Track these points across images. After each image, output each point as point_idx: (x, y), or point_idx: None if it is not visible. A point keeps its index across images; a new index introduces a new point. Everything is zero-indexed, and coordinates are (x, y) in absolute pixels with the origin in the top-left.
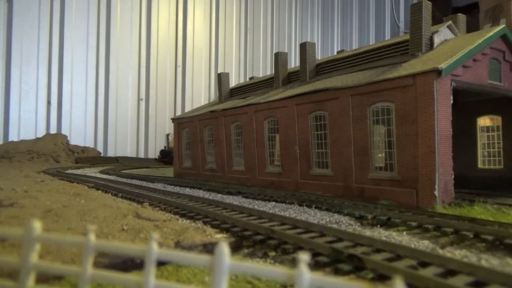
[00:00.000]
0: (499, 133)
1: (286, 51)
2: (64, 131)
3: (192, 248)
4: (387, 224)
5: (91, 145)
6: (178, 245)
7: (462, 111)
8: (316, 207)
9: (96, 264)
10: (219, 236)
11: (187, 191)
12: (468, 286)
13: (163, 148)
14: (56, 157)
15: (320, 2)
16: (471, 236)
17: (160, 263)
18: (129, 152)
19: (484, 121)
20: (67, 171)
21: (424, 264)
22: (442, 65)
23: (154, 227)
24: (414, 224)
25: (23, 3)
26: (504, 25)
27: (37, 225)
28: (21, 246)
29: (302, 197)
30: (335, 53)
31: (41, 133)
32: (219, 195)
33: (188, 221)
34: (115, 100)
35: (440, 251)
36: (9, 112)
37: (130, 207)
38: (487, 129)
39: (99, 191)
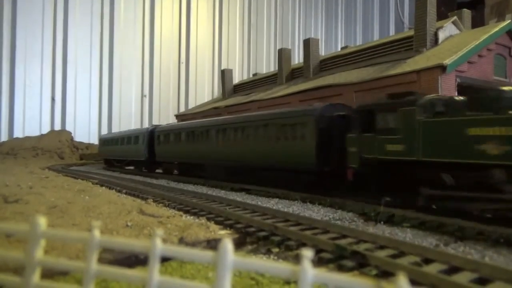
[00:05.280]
0: None
1: (289, 47)
2: (68, 127)
3: (196, 244)
4: (390, 220)
5: (96, 142)
6: (182, 241)
7: None
8: (319, 204)
9: (101, 260)
10: (222, 232)
11: (191, 187)
12: (472, 283)
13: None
14: (60, 154)
15: None
16: (475, 233)
17: (164, 259)
18: None
19: None
20: (72, 168)
21: (428, 261)
22: (447, 61)
23: (158, 223)
24: (417, 220)
25: (27, 0)
26: (509, 21)
27: (42, 221)
28: (27, 242)
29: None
30: (339, 49)
31: (46, 129)
32: (223, 191)
33: (192, 217)
34: (119, 97)
35: (444, 248)
36: (13, 109)
37: (134, 204)
38: None
39: (103, 187)
